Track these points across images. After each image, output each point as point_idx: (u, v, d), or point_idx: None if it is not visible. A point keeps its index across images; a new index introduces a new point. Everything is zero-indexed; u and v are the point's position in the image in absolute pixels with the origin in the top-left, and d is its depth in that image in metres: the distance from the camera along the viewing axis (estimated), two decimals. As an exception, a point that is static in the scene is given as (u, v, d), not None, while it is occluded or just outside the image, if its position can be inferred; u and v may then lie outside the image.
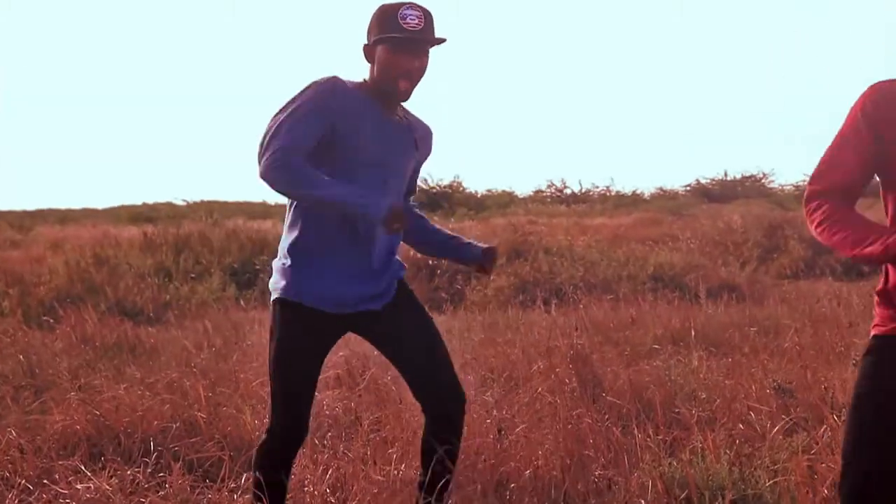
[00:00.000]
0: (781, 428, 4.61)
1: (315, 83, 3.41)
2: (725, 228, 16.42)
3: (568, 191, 39.35)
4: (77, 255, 12.99)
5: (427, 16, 3.49)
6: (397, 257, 3.68)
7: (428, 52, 3.52)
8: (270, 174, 3.25)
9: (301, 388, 3.52)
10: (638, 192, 38.96)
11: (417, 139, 3.67)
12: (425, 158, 3.83)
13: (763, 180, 38.26)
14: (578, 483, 4.15)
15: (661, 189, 39.44)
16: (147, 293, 10.78)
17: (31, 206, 30.31)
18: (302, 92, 3.39)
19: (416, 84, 3.52)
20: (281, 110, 3.34)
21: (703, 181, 38.25)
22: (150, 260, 12.69)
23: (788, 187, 37.13)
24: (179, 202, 35.90)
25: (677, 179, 43.08)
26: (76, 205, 37.53)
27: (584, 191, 39.27)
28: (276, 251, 3.66)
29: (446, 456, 3.50)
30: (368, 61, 3.55)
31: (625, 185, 39.66)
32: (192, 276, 11.98)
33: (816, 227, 2.75)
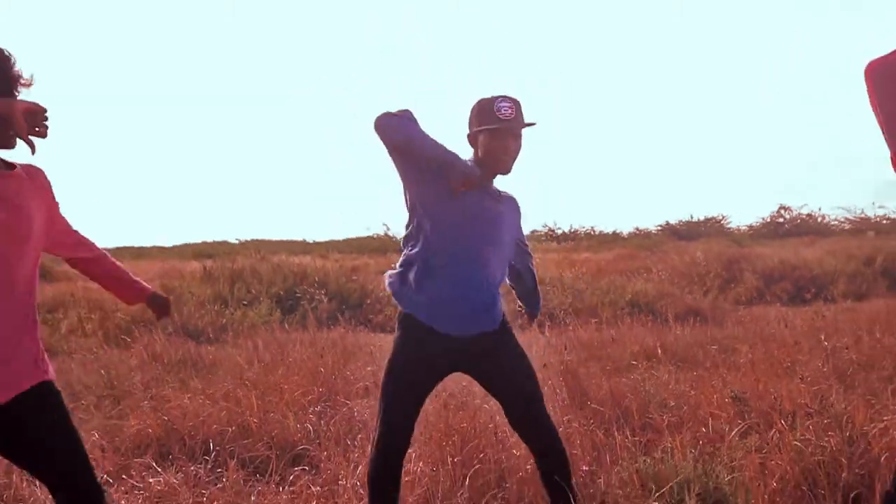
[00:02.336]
0: (738, 431, 4.57)
1: None
2: (691, 262, 16.38)
3: (559, 231, 39.31)
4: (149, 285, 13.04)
5: (517, 105, 3.49)
6: None
7: (521, 134, 3.50)
8: None
9: None
10: (618, 231, 38.95)
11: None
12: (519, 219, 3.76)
13: (722, 221, 38.21)
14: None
15: (637, 229, 39.41)
16: (207, 317, 10.77)
17: (110, 244, 30.37)
18: None
19: (514, 161, 3.52)
20: None
21: (672, 222, 38.25)
22: (210, 290, 12.65)
23: (744, 227, 37.18)
24: (234, 241, 35.97)
25: (651, 220, 43.12)
26: (148, 243, 37.51)
27: (572, 230, 39.24)
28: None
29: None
30: (472, 146, 3.54)
31: (607, 226, 39.54)
32: (245, 303, 11.95)
33: None
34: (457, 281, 3.36)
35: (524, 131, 3.50)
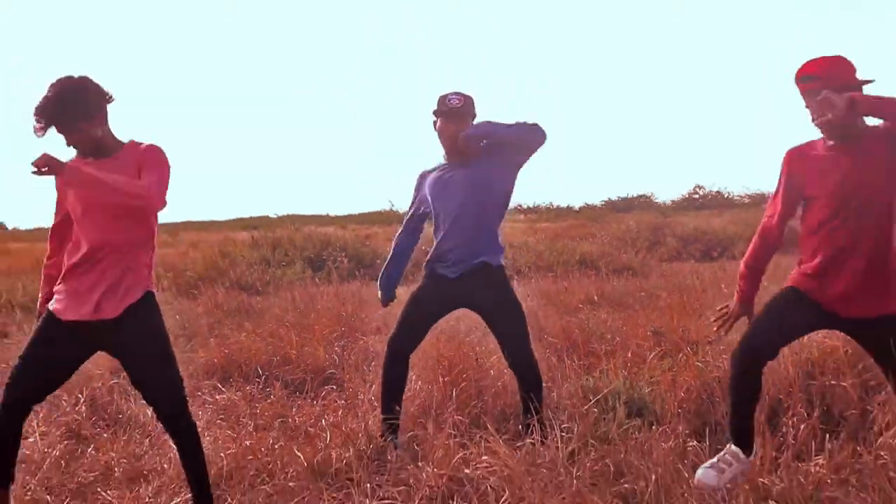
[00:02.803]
0: (655, 355, 4.69)
1: None
2: (626, 229, 16.31)
3: (525, 206, 39.14)
4: (209, 251, 13.04)
5: (467, 98, 3.52)
6: None
7: (462, 119, 3.49)
8: None
9: None
10: (571, 205, 38.70)
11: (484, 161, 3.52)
12: (510, 159, 3.52)
13: (651, 197, 38.06)
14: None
15: (586, 203, 39.12)
16: (255, 275, 10.74)
17: (177, 219, 30.26)
18: None
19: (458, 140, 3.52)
20: None
21: (613, 199, 38.07)
22: (256, 254, 12.54)
23: (668, 202, 37.06)
24: (273, 215, 35.57)
25: (597, 197, 42.88)
26: (208, 217, 37.18)
27: (535, 206, 39.02)
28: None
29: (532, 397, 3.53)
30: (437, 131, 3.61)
31: (562, 201, 39.19)
32: (283, 263, 11.85)
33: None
34: (453, 238, 3.56)
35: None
